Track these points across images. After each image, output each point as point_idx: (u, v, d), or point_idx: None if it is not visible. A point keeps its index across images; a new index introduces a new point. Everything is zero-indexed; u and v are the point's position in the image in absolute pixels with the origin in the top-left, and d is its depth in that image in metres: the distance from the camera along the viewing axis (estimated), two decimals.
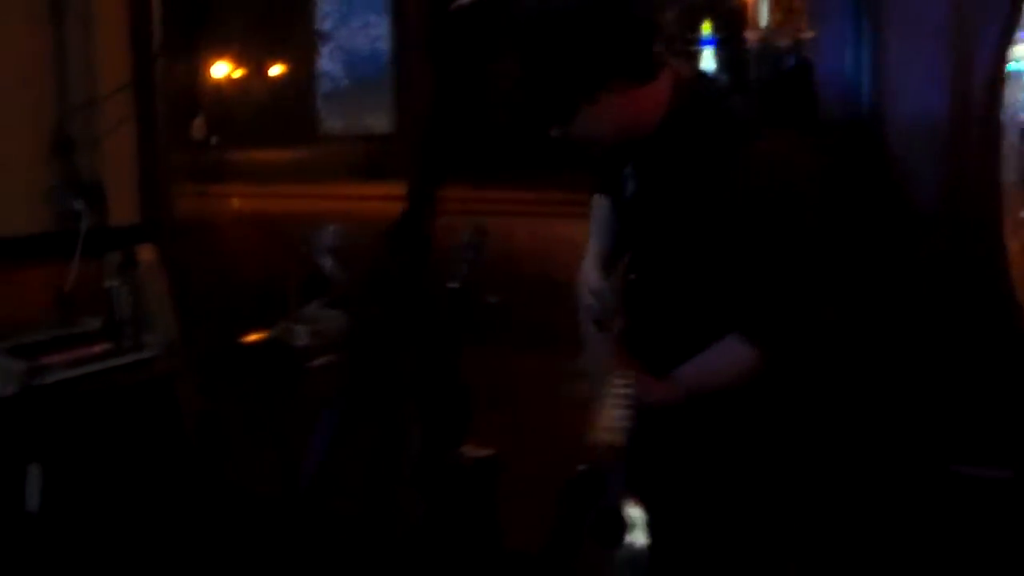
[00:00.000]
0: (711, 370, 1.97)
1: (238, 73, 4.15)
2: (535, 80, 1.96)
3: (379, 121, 3.98)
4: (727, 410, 2.00)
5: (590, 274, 2.22)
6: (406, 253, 1.92)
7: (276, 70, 4.33)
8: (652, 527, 1.95)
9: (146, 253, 3.53)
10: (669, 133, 1.96)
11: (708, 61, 4.16)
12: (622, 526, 1.97)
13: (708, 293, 1.96)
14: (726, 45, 4.20)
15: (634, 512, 1.98)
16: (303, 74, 4.40)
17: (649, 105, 1.96)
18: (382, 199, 3.50)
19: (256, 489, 3.31)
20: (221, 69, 4.08)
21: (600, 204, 2.31)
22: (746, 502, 2.03)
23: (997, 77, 2.29)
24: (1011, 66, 2.37)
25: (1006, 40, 2.27)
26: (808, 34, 3.41)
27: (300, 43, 4.59)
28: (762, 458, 2.03)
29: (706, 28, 4.22)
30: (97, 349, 3.19)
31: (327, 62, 4.50)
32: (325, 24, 4.64)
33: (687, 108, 1.96)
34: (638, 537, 1.98)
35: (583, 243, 2.36)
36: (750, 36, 3.94)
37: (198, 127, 4.05)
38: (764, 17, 3.97)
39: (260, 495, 3.27)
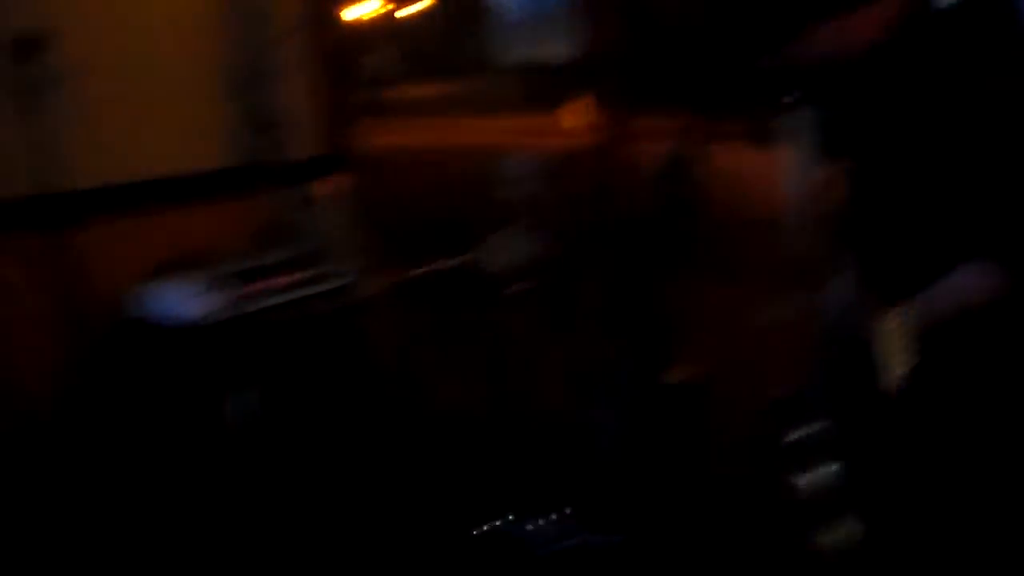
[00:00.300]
0: (956, 296, 1.94)
1: (412, 7, 4.21)
2: (751, 10, 1.95)
3: (555, 52, 3.97)
4: (965, 337, 1.96)
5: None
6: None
7: (449, 3, 4.37)
8: (855, 453, 1.95)
9: (331, 185, 3.64)
10: (896, 55, 1.94)
11: None
12: (821, 450, 1.99)
13: (945, 216, 1.93)
14: None
15: (834, 437, 1.99)
16: (476, 6, 4.42)
17: (869, 28, 1.94)
18: (559, 131, 3.53)
19: (448, 412, 3.39)
20: (395, 3, 4.14)
21: (794, 134, 2.28)
22: (968, 432, 2.00)
23: None
24: None
25: None
26: None
27: None
28: (995, 388, 1.99)
29: None
30: (291, 279, 3.30)
31: None
32: None
33: (912, 30, 1.94)
34: (836, 461, 1.99)
35: (772, 172, 2.34)
36: None
37: (373, 62, 4.14)
38: None
39: (453, 418, 3.36)
